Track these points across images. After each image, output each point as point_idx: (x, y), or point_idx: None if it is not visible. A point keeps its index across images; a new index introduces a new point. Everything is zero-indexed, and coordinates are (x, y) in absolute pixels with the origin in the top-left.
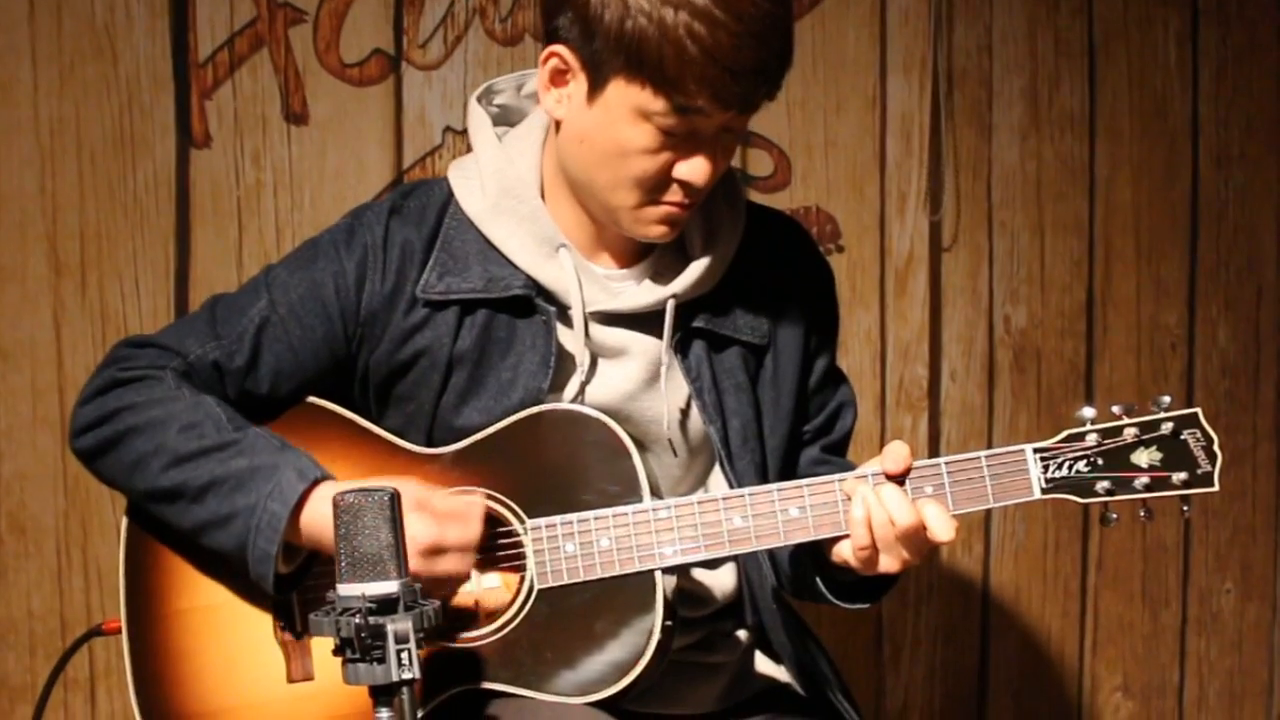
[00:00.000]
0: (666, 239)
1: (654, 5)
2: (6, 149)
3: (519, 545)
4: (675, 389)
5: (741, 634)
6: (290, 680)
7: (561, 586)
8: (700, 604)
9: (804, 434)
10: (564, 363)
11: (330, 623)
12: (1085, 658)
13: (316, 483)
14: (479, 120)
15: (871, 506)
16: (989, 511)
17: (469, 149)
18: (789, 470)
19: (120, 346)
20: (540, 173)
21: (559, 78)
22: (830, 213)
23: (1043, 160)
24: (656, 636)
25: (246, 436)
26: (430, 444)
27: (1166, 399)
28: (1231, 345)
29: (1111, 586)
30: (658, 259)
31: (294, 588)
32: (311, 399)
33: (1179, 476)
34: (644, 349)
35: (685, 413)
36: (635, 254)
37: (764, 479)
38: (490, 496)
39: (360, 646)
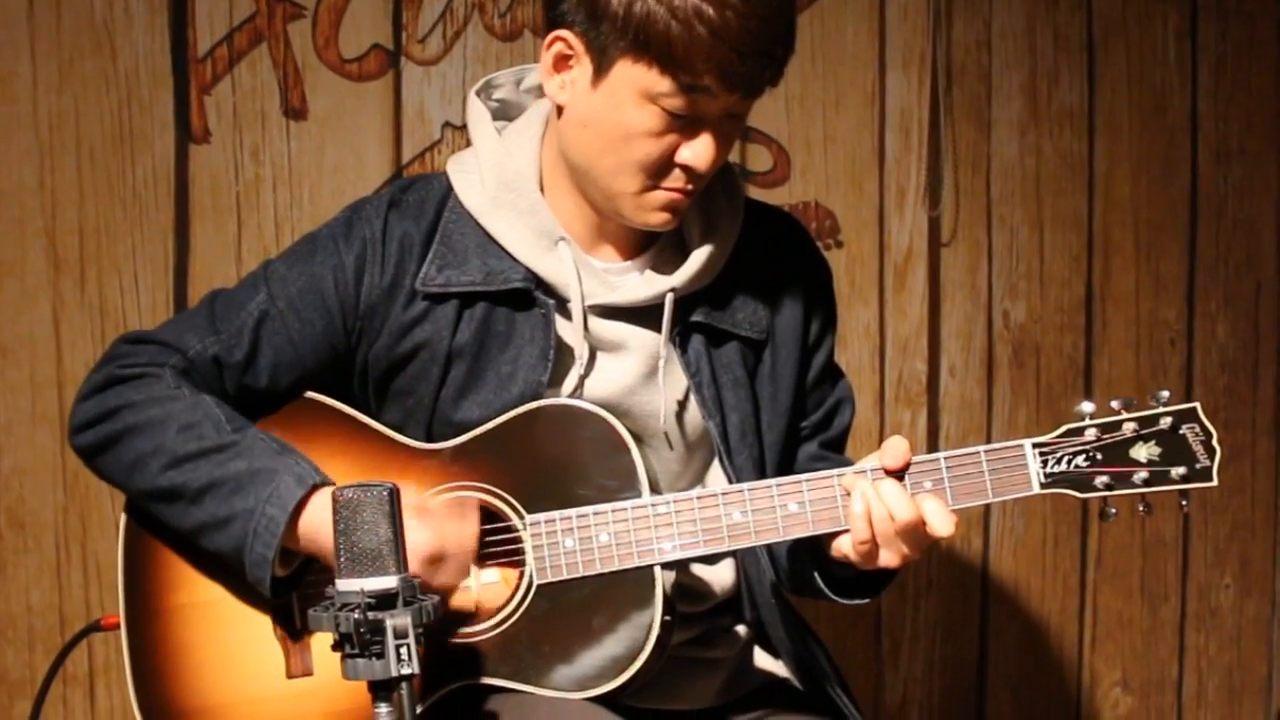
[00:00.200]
0: (667, 227)
1: None
2: (5, 144)
3: (518, 541)
4: (674, 383)
5: (740, 629)
6: (289, 675)
7: (561, 582)
8: (699, 599)
9: (802, 430)
10: (563, 356)
11: (329, 618)
12: (1084, 653)
13: (315, 488)
14: (478, 114)
15: (871, 501)
16: (988, 507)
17: (468, 144)
18: (787, 466)
19: (119, 343)
20: (539, 166)
21: (563, 63)
22: (829, 208)
23: (1042, 155)
24: (655, 632)
25: (245, 438)
26: (430, 438)
27: (1165, 394)
28: (1231, 340)
29: (1110, 582)
30: (657, 253)
31: (291, 590)
32: (310, 394)
33: (1178, 471)
34: (643, 343)
35: (683, 407)
36: (634, 247)
37: (762, 474)
38: (489, 492)
39: (359, 642)
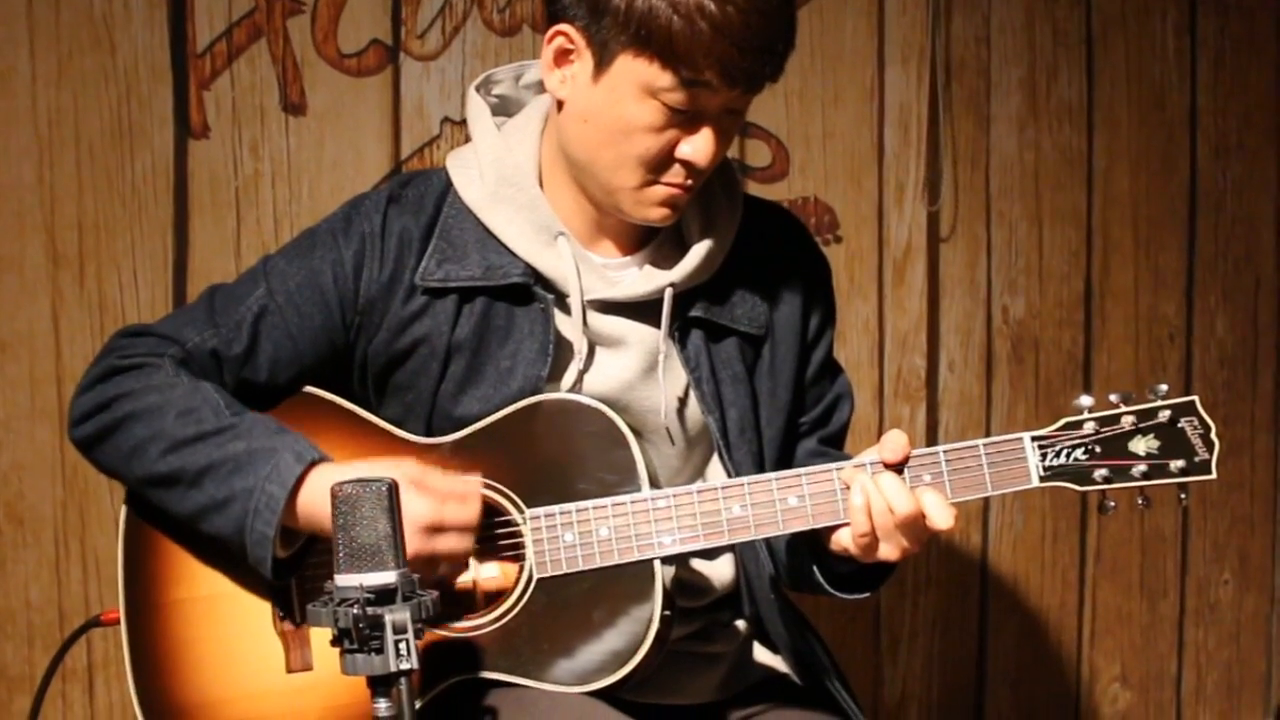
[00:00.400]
0: (666, 222)
1: None
2: (4, 139)
3: (518, 535)
4: (673, 378)
5: (740, 624)
6: (289, 670)
7: (560, 576)
8: (698, 594)
9: (801, 426)
10: (562, 351)
11: (328, 613)
12: (1083, 648)
13: (314, 464)
14: (477, 109)
15: (870, 494)
16: (987, 502)
17: (467, 140)
18: (785, 462)
19: (118, 336)
20: (539, 161)
21: (563, 57)
22: (828, 203)
23: (1041, 151)
24: (655, 626)
25: (243, 421)
26: (429, 433)
27: (1164, 387)
28: (1230, 336)
29: (1110, 577)
30: (656, 248)
31: (292, 573)
32: (310, 389)
33: (1176, 464)
34: (642, 338)
35: (683, 402)
36: (633, 243)
37: (761, 470)
38: (489, 486)
39: (358, 637)
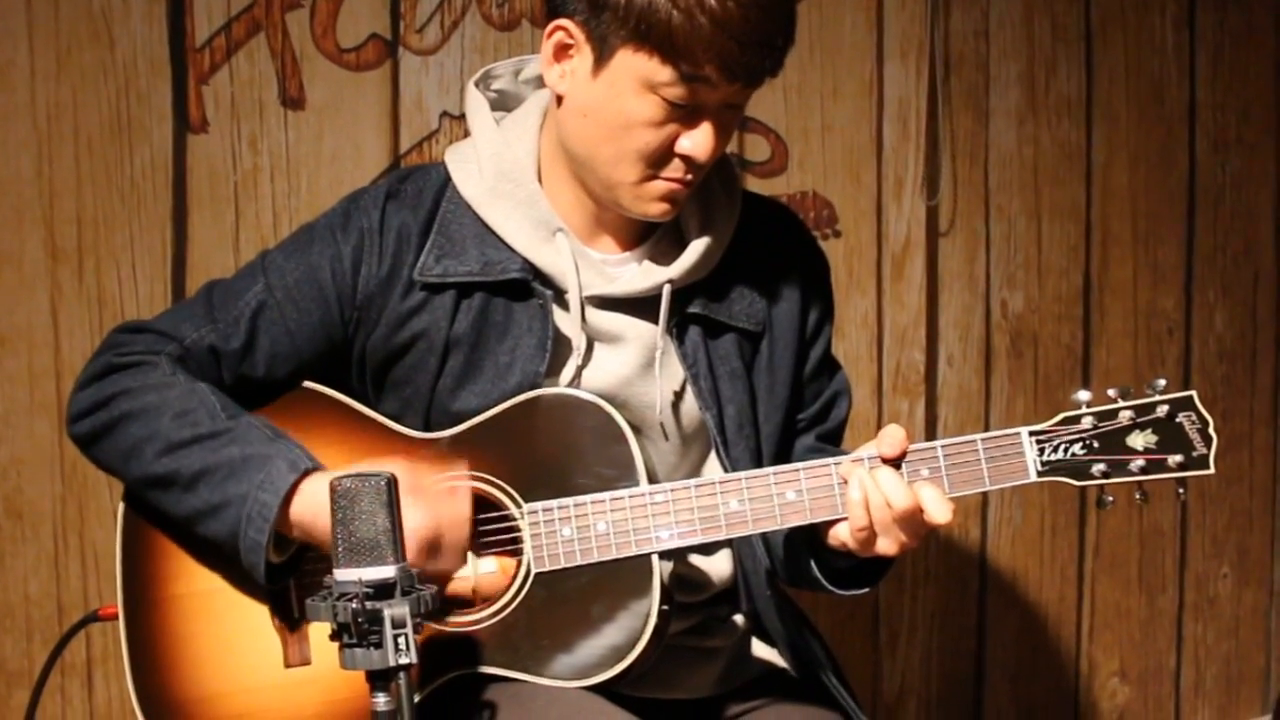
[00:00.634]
0: (666, 217)
1: None
2: (3, 134)
3: (516, 529)
4: (670, 374)
5: (738, 619)
6: (287, 665)
7: (558, 571)
8: (696, 589)
9: (799, 422)
10: (560, 347)
11: (327, 608)
12: (1082, 643)
13: (307, 473)
14: (476, 104)
15: (868, 489)
16: (986, 497)
17: (466, 134)
18: (783, 458)
19: (116, 332)
20: (538, 157)
21: (563, 52)
22: (827, 198)
23: (1040, 145)
24: (653, 621)
25: (239, 425)
26: (427, 428)
27: (1162, 382)
28: (1228, 330)
29: (1108, 572)
30: (654, 244)
31: (287, 577)
32: (308, 384)
33: (1175, 459)
34: (640, 334)
35: (680, 398)
36: (632, 239)
37: (758, 466)
38: (487, 481)
39: (357, 631)
